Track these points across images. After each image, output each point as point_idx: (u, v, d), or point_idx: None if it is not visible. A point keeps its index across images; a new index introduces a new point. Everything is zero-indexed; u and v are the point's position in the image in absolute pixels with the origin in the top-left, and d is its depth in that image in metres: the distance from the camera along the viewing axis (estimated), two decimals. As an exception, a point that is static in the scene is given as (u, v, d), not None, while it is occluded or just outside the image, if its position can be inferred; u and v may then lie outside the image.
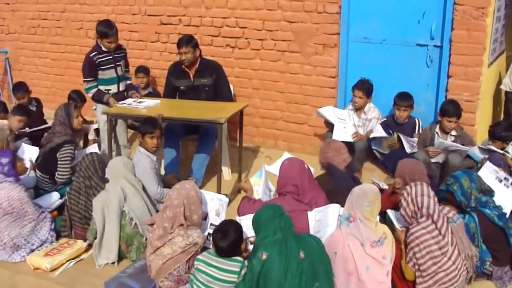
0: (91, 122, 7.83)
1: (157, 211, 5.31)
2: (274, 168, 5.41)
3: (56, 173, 6.07)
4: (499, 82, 7.55)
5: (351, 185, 4.76)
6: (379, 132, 6.55)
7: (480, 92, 6.37)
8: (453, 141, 6.23)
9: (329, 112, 6.71)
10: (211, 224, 4.98)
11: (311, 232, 4.57)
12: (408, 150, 6.27)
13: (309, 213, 4.65)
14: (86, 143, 7.19)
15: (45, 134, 6.60)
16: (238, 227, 4.34)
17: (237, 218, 4.75)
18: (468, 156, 6.05)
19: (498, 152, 5.81)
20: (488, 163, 5.50)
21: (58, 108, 6.39)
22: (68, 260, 5.16)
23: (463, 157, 6.07)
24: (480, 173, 5.20)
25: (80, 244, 5.32)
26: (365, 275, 4.15)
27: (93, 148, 6.64)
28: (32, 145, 6.56)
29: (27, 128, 7.11)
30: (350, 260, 4.18)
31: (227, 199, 5.18)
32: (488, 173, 5.37)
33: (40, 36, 9.70)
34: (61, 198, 5.91)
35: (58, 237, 5.49)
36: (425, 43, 6.59)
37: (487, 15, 6.10)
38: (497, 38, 6.90)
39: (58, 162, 6.05)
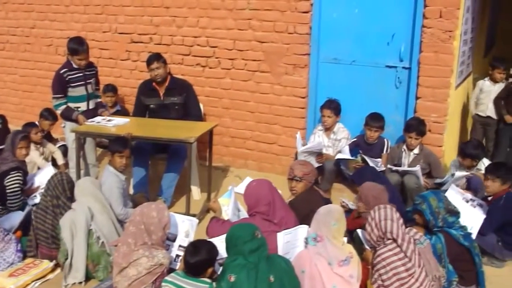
0: (56, 140, 7.76)
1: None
2: (242, 189, 5.39)
3: (6, 202, 5.93)
4: (467, 104, 7.67)
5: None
6: (345, 153, 6.59)
7: (448, 113, 6.45)
8: (413, 159, 6.37)
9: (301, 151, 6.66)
10: (180, 246, 4.93)
11: (280, 253, 4.55)
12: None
13: (278, 234, 4.64)
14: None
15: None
16: (211, 250, 4.29)
17: (208, 238, 4.72)
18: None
19: (466, 175, 5.94)
20: (453, 185, 5.60)
21: (11, 133, 6.37)
22: (33, 281, 5.09)
23: (419, 177, 6.17)
24: (446, 194, 5.27)
25: (46, 264, 5.25)
26: (333, 294, 4.16)
27: (48, 166, 6.67)
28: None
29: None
30: (317, 279, 4.18)
31: (197, 220, 5.15)
32: (455, 194, 5.46)
33: (9, 52, 9.62)
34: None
35: (24, 257, 5.40)
36: (394, 64, 6.66)
37: (454, 38, 6.19)
38: (464, 60, 7.01)
39: (6, 190, 5.90)
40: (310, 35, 6.96)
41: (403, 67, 6.62)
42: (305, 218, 4.91)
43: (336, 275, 4.18)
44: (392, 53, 6.66)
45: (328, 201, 5.37)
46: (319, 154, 6.62)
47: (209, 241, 4.45)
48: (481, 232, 5.35)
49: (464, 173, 6.02)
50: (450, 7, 6.12)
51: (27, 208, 5.85)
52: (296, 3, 6.89)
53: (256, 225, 4.27)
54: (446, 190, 5.56)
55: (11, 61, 9.65)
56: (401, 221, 4.32)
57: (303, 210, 5.11)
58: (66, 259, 5.07)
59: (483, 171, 5.92)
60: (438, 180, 6.19)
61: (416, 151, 6.35)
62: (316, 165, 6.44)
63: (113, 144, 5.76)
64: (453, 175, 6.03)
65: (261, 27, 7.16)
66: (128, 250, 4.49)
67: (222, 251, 4.36)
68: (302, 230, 4.68)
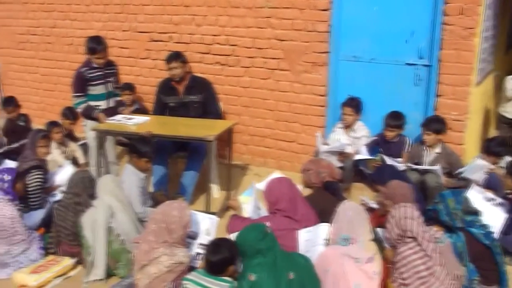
0: (78, 140, 7.81)
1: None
2: (264, 186, 5.40)
3: (28, 200, 5.98)
4: (488, 101, 7.58)
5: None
6: (363, 153, 6.56)
7: (469, 111, 6.40)
8: (434, 158, 6.31)
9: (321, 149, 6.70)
10: (200, 244, 4.95)
11: (300, 252, 4.55)
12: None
13: (298, 232, 4.64)
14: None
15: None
16: (232, 248, 4.27)
17: (229, 236, 4.72)
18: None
19: (486, 165, 5.93)
20: (474, 186, 5.56)
21: (31, 132, 6.42)
22: (55, 277, 5.12)
23: (439, 176, 6.11)
24: (468, 194, 5.23)
25: (67, 261, 5.28)
26: (356, 292, 4.16)
27: (67, 165, 6.74)
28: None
29: (16, 144, 7.10)
30: (342, 279, 4.17)
31: (218, 218, 5.16)
32: (476, 193, 5.41)
33: (30, 51, 9.71)
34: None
35: (45, 254, 5.45)
36: (414, 62, 6.62)
37: (475, 35, 6.14)
38: (485, 58, 6.94)
39: (27, 188, 5.96)
40: (329, 33, 6.92)
41: (423, 65, 6.57)
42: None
43: (361, 272, 4.18)
44: (412, 51, 6.61)
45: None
46: (341, 153, 6.61)
47: (230, 239, 4.45)
48: (504, 232, 5.31)
49: (485, 162, 5.96)
50: (471, 3, 6.07)
51: (49, 205, 5.89)
52: (315, 1, 6.86)
53: (276, 222, 4.28)
54: (467, 187, 5.53)
55: (32, 60, 9.75)
56: (421, 219, 4.31)
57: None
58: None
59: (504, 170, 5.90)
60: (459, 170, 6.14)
61: (437, 150, 6.30)
62: (338, 164, 6.42)
63: (143, 148, 5.72)
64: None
65: (280, 25, 7.15)
66: (148, 248, 4.51)
67: None
68: (322, 229, 4.67)
